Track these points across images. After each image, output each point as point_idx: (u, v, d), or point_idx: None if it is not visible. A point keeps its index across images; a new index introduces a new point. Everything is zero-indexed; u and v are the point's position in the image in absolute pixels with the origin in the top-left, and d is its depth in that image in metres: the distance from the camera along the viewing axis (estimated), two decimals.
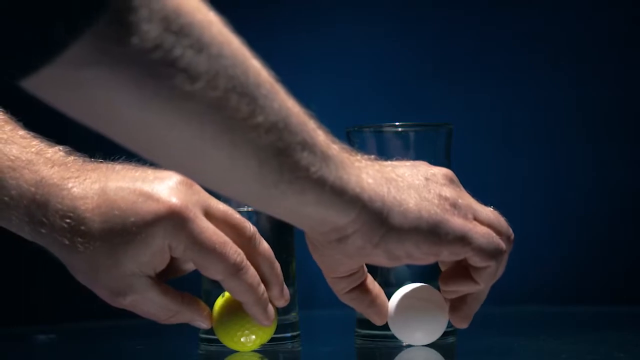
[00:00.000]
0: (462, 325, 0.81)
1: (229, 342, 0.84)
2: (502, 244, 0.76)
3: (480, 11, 1.46)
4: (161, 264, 0.75)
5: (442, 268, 0.81)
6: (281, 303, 0.81)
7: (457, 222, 0.74)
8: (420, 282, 0.85)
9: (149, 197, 0.73)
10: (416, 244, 0.72)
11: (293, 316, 0.96)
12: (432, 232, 0.72)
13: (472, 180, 1.43)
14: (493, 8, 1.45)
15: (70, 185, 0.74)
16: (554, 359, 0.88)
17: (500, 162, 1.46)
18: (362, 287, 0.79)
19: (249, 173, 0.63)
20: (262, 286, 0.80)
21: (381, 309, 0.81)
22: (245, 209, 0.96)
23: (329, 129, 1.31)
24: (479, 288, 0.78)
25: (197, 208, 0.75)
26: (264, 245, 0.79)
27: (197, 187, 0.76)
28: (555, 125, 1.46)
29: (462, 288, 0.78)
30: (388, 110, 1.44)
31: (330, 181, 0.67)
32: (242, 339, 0.82)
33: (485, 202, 1.48)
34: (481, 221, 0.76)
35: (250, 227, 0.79)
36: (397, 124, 0.96)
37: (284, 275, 0.97)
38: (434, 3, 1.47)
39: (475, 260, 0.75)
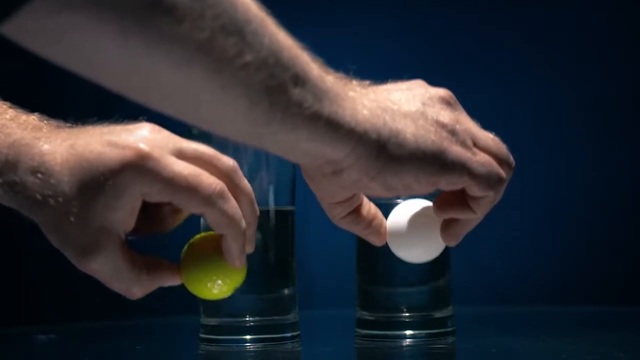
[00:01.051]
0: (452, 243, 0.78)
1: (197, 290, 0.80)
2: (502, 173, 0.74)
3: (480, 11, 1.46)
4: (131, 217, 0.71)
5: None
6: (249, 248, 0.77)
7: (456, 151, 0.71)
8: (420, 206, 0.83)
9: (115, 145, 0.71)
10: (414, 175, 0.70)
11: (293, 316, 0.96)
12: (429, 162, 0.70)
13: None
14: (493, 8, 1.45)
15: (40, 143, 0.72)
16: (554, 359, 0.88)
17: None
18: (358, 211, 0.76)
19: (240, 113, 0.62)
20: (244, 222, 0.75)
21: (379, 230, 0.78)
22: None
23: None
24: (475, 216, 0.75)
25: (166, 150, 0.72)
26: (245, 183, 0.75)
27: (167, 133, 0.74)
28: (555, 125, 1.46)
29: (458, 215, 0.76)
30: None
31: (324, 117, 0.65)
32: (208, 285, 0.79)
33: None
34: (480, 147, 0.74)
35: (228, 161, 0.74)
36: None
37: (284, 275, 0.97)
38: (434, 3, 1.47)
39: (474, 190, 0.73)
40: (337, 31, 1.46)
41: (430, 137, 0.70)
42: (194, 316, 1.00)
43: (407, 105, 0.71)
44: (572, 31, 1.46)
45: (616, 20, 1.46)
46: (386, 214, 0.79)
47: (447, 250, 0.97)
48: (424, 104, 0.72)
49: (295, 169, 0.98)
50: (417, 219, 0.80)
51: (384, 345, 0.93)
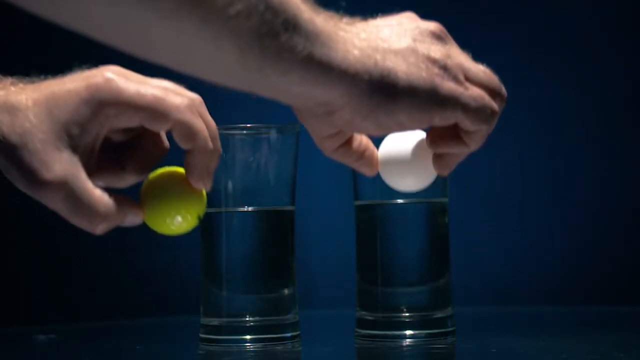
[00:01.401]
0: (444, 172, 0.79)
1: (158, 224, 0.79)
2: (495, 106, 0.74)
3: (480, 11, 1.46)
4: (96, 141, 0.71)
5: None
6: (208, 186, 0.76)
7: (448, 87, 0.71)
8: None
9: (83, 77, 0.71)
10: (407, 113, 0.70)
11: (293, 316, 0.96)
12: (422, 100, 0.70)
13: (472, 180, 1.43)
14: (493, 8, 1.45)
15: (5, 92, 0.72)
16: (554, 359, 0.88)
17: (500, 162, 1.46)
18: (350, 143, 0.76)
19: (232, 61, 0.63)
20: (211, 143, 0.74)
21: (371, 160, 0.78)
22: (245, 209, 0.96)
23: None
24: (468, 150, 0.76)
25: (133, 79, 0.71)
26: (210, 118, 0.74)
27: (133, 74, 0.73)
28: (555, 125, 1.46)
29: (452, 149, 0.76)
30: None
31: (316, 60, 0.65)
32: (167, 220, 0.78)
33: (486, 202, 1.49)
34: (472, 81, 0.74)
35: (194, 94, 0.73)
36: None
37: (284, 275, 0.97)
38: (434, 3, 1.47)
39: (467, 124, 0.73)
40: None
41: (421, 74, 0.70)
42: (194, 316, 1.00)
43: (398, 43, 0.71)
44: (572, 31, 1.46)
45: (616, 20, 1.46)
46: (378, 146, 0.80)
47: (447, 250, 0.97)
48: (414, 39, 0.72)
49: (295, 169, 0.98)
50: (407, 148, 0.80)
51: (384, 345, 0.93)
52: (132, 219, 0.75)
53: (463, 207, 1.36)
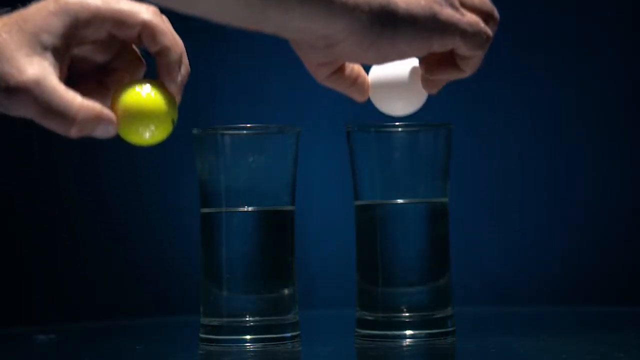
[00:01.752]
0: (433, 90, 0.81)
1: (130, 133, 0.78)
2: (489, 32, 0.76)
3: None
4: (67, 48, 0.72)
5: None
6: (180, 85, 0.77)
7: (446, 14, 0.73)
8: None
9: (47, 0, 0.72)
10: (407, 42, 0.72)
11: (293, 316, 0.96)
12: (422, 28, 0.72)
13: (472, 180, 1.43)
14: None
15: None
16: (554, 359, 0.88)
17: (500, 162, 1.46)
18: (342, 70, 0.79)
19: (237, 3, 0.66)
20: (181, 46, 0.76)
21: (362, 87, 0.81)
22: (245, 209, 0.96)
23: (329, 129, 1.31)
24: (464, 75, 0.78)
25: None
26: (177, 35, 0.76)
27: None
28: (555, 125, 1.46)
29: (448, 75, 0.78)
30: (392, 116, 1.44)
31: None
32: (140, 129, 0.77)
33: (486, 202, 1.49)
34: (467, 7, 0.75)
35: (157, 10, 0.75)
36: (397, 124, 0.96)
37: (284, 275, 0.97)
38: None
39: (464, 50, 0.75)
40: None
41: (420, 3, 0.72)
42: (194, 316, 1.00)
43: None
44: (572, 31, 1.46)
45: (616, 20, 1.46)
46: None
47: (447, 250, 0.97)
48: None
49: (295, 169, 0.98)
50: (397, 72, 0.82)
51: (384, 345, 0.93)
52: (106, 126, 0.74)
53: (463, 207, 1.36)
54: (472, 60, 0.76)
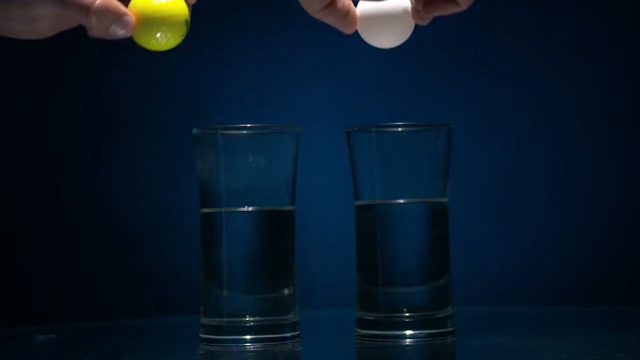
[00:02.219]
0: (423, 22, 0.85)
1: (146, 36, 0.81)
2: None
3: (480, 11, 1.46)
4: None
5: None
6: None
7: None
8: None
9: None
10: None
11: (293, 316, 0.96)
12: None
13: (472, 180, 1.43)
14: (493, 7, 1.45)
15: None
16: (554, 359, 0.88)
17: (500, 162, 1.46)
18: (334, 3, 0.83)
19: None
20: None
21: (352, 20, 0.85)
22: (245, 209, 0.96)
23: (329, 129, 1.31)
24: (460, 9, 0.82)
25: None
26: None
27: None
28: (555, 125, 1.46)
29: (446, 12, 0.83)
30: (388, 110, 1.44)
31: None
32: (157, 35, 0.80)
33: (486, 202, 1.49)
34: None
35: None
36: (397, 124, 0.96)
37: (284, 275, 0.97)
38: None
39: None
40: (338, 31, 1.45)
41: None
42: (194, 316, 1.00)
43: None
44: (572, 31, 1.46)
45: (616, 19, 1.46)
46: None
47: (447, 250, 0.97)
48: None
49: (295, 169, 0.98)
50: (383, 4, 0.86)
51: (384, 345, 0.93)
52: (123, 21, 0.79)
53: (463, 207, 1.37)
54: None
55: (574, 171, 1.45)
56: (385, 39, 0.88)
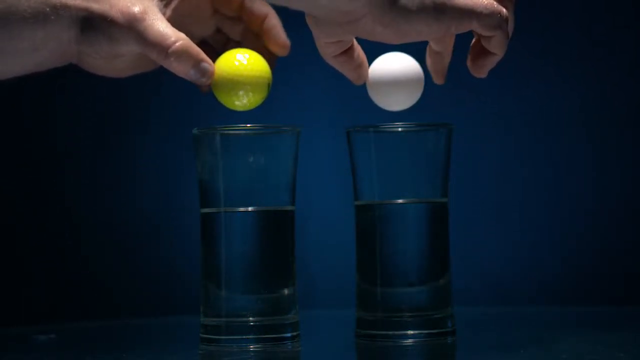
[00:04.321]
0: (481, 75, 0.89)
1: (228, 98, 0.85)
2: (504, 12, 0.81)
3: None
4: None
5: (434, 46, 0.90)
6: (282, 51, 0.91)
7: None
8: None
9: None
10: (425, 22, 0.77)
11: (293, 316, 0.96)
12: (439, 11, 0.77)
13: (472, 180, 1.43)
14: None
15: None
16: (554, 359, 0.88)
17: (500, 162, 1.46)
18: (350, 51, 0.85)
19: None
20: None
21: (363, 72, 0.89)
22: (245, 209, 0.96)
23: (329, 129, 1.31)
24: (496, 57, 0.85)
25: None
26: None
27: None
28: (555, 125, 1.46)
29: (487, 61, 0.86)
30: (388, 111, 1.44)
31: None
32: (239, 95, 0.84)
33: (486, 202, 1.49)
34: None
35: None
36: (397, 124, 0.96)
37: (284, 275, 0.97)
38: None
39: (482, 31, 0.81)
40: None
41: None
42: (194, 316, 1.00)
43: None
44: (572, 31, 1.46)
45: (617, 19, 1.46)
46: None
47: (447, 250, 0.97)
48: None
49: (295, 169, 0.98)
50: (393, 68, 0.89)
51: (384, 345, 0.93)
52: (203, 69, 0.84)
53: (463, 207, 1.37)
54: (494, 39, 0.82)
55: (574, 171, 1.45)
56: (395, 104, 0.91)
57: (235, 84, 0.83)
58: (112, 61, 0.86)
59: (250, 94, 0.84)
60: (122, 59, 0.86)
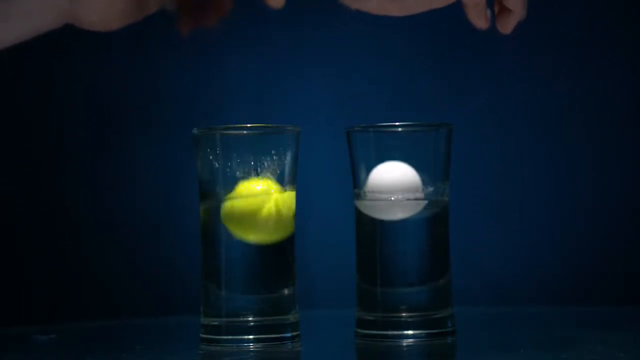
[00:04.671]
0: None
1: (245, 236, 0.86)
2: None
3: None
4: None
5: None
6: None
7: None
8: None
9: None
10: None
11: (293, 316, 0.96)
12: None
13: (472, 180, 1.43)
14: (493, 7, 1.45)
15: None
16: (554, 359, 0.88)
17: (500, 162, 1.46)
18: None
19: None
20: None
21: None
22: None
23: (329, 129, 1.31)
24: (517, 14, 0.94)
25: None
26: None
27: None
28: (555, 125, 1.46)
29: (508, 19, 0.94)
30: (388, 110, 1.44)
31: None
32: (250, 237, 0.86)
33: (486, 202, 1.49)
34: None
35: None
36: (397, 124, 0.96)
37: (283, 276, 0.97)
38: None
39: None
40: (337, 31, 1.46)
41: None
42: (194, 316, 1.00)
43: None
44: (572, 30, 1.46)
45: (617, 19, 1.46)
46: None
47: (447, 250, 0.97)
48: None
49: (295, 168, 0.98)
50: (392, 180, 0.90)
51: (384, 345, 0.93)
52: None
53: (463, 207, 1.36)
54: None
55: (574, 171, 1.45)
56: (392, 214, 0.92)
57: (243, 226, 0.87)
58: (106, 15, 0.86)
59: (259, 235, 0.88)
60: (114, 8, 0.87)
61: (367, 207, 0.91)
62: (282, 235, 0.92)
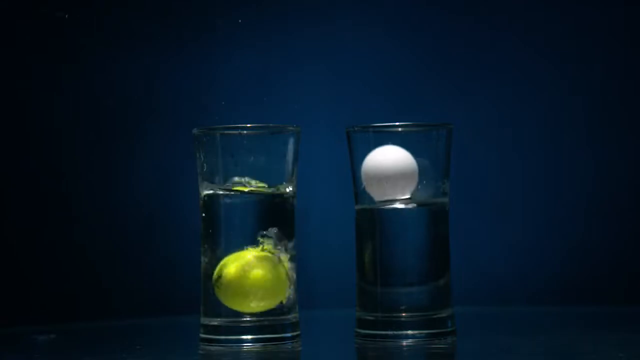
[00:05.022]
0: None
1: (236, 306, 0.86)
2: None
3: (480, 10, 1.46)
4: None
5: None
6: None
7: None
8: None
9: None
10: None
11: (293, 316, 0.96)
12: None
13: (472, 180, 1.43)
14: (494, 7, 1.45)
15: None
16: (554, 359, 0.88)
17: (500, 162, 1.46)
18: None
19: None
20: None
21: None
22: (245, 209, 0.96)
23: (329, 129, 1.31)
24: None
25: None
26: None
27: None
28: (555, 125, 1.46)
29: None
30: (388, 110, 1.44)
31: None
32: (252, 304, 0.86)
33: (485, 203, 1.49)
34: None
35: None
36: (397, 124, 0.96)
37: (284, 276, 0.97)
38: (434, 2, 1.47)
39: None
40: (337, 31, 1.46)
41: None
42: (194, 316, 1.00)
43: None
44: (572, 30, 1.46)
45: (617, 19, 1.46)
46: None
47: (447, 250, 0.97)
48: None
49: (295, 168, 0.98)
50: (388, 163, 0.90)
51: (384, 345, 0.93)
52: None
53: (463, 207, 1.36)
54: None
55: (574, 171, 1.45)
56: (389, 194, 0.92)
57: (244, 300, 0.88)
58: None
59: (261, 303, 0.89)
60: None
61: (367, 194, 0.92)
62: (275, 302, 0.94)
